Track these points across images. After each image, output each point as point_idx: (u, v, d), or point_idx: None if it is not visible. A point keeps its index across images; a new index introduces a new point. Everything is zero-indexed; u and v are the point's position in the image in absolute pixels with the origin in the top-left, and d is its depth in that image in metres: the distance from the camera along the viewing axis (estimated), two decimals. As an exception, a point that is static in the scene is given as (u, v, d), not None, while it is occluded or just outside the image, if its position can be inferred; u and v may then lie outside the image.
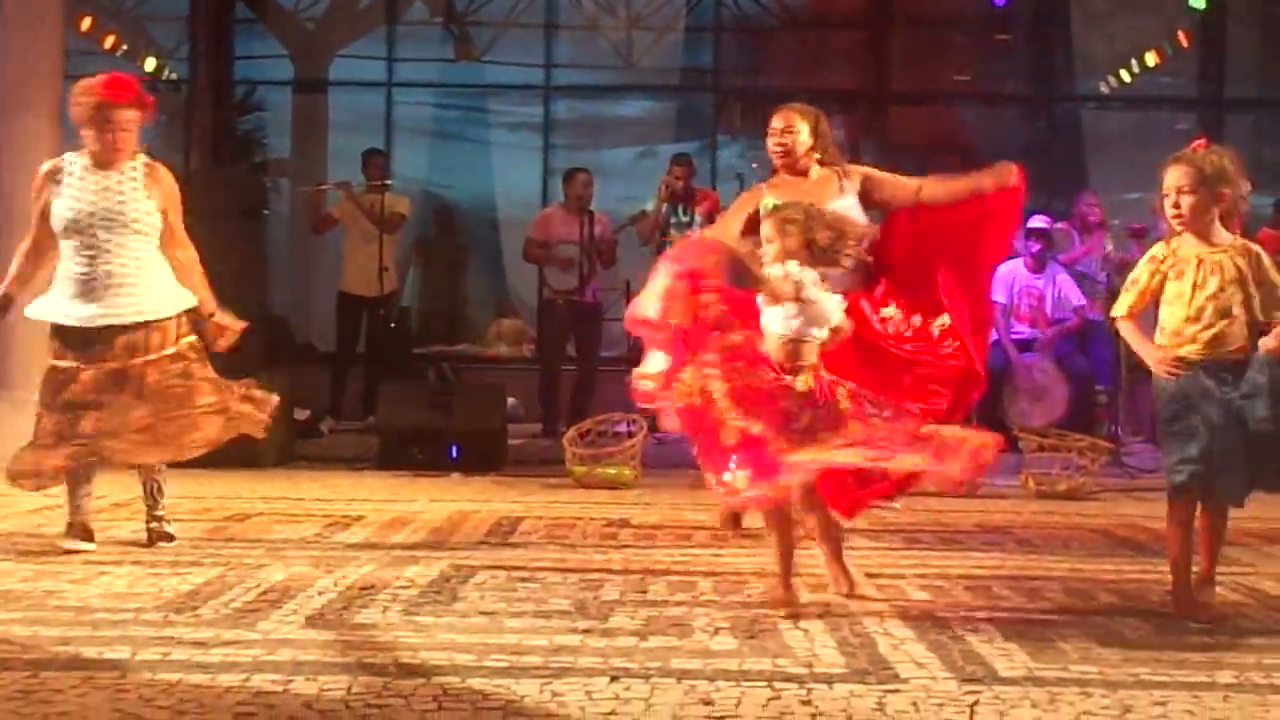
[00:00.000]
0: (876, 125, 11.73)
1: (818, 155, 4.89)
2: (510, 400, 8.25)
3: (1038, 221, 8.96)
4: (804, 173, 4.91)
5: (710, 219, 8.28)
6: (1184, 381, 3.76)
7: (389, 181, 9.72)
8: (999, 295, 8.75)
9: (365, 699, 2.73)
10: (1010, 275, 8.83)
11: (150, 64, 11.85)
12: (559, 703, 2.73)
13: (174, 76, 12.13)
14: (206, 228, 7.65)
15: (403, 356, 9.79)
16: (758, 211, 4.90)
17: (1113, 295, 8.83)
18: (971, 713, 2.71)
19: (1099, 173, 12.28)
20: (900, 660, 3.13)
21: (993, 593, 4.05)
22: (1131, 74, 12.37)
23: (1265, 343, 3.71)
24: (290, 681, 2.84)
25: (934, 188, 4.84)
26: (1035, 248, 8.87)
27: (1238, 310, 3.76)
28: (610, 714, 2.66)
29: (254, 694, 2.75)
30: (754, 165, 9.73)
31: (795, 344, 3.74)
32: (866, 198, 4.85)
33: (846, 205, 4.79)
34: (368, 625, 3.45)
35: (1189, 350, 3.78)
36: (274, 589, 3.88)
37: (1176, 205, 3.82)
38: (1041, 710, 2.73)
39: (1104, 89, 12.80)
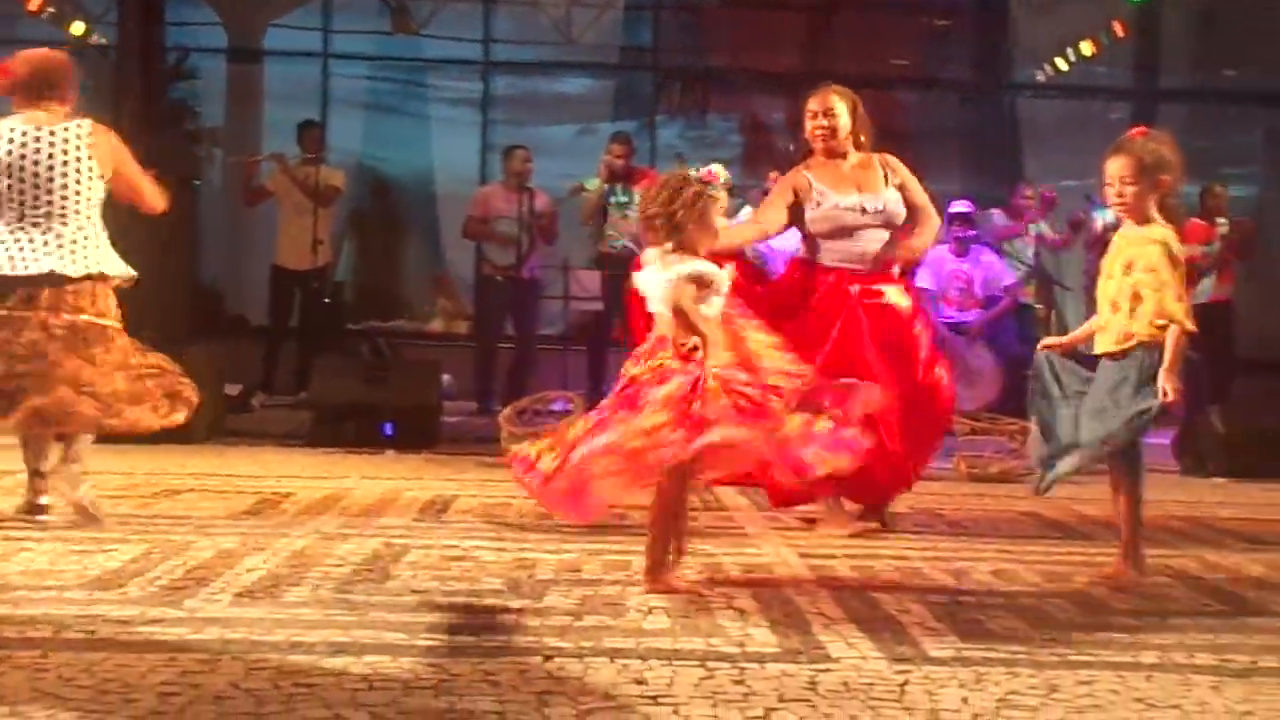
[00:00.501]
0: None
1: (859, 138, 4.92)
2: (445, 377, 8.20)
3: (960, 206, 9.03)
4: (843, 155, 4.93)
5: None
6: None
7: (324, 154, 9.63)
8: (926, 281, 8.83)
9: (294, 678, 2.69)
10: (937, 260, 8.89)
11: (77, 28, 11.61)
12: (492, 682, 2.72)
13: (102, 41, 11.90)
14: (136, 197, 7.58)
15: (337, 331, 9.72)
16: (799, 197, 4.91)
17: (1040, 278, 9.00)
18: (901, 692, 2.73)
19: (1035, 161, 12.42)
20: (832, 640, 3.15)
21: (923, 574, 4.08)
22: (1068, 63, 12.50)
23: (1162, 376, 3.75)
24: (218, 660, 2.81)
25: (921, 220, 4.92)
26: (959, 232, 8.94)
27: (1149, 301, 3.82)
28: (544, 693, 2.64)
29: (180, 673, 2.70)
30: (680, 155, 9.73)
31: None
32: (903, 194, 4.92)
33: (897, 197, 4.89)
34: (298, 604, 3.41)
35: (1103, 341, 3.88)
36: (202, 566, 3.82)
37: (1120, 195, 3.89)
38: (969, 690, 2.76)
39: (1041, 77, 12.93)
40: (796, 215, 4.92)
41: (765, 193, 9.28)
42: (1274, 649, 3.20)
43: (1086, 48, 12.29)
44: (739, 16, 12.96)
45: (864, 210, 4.85)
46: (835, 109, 4.91)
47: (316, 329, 9.44)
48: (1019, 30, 13.13)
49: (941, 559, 4.33)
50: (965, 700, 2.68)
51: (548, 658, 2.92)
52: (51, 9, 11.19)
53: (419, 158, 12.80)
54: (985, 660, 3.00)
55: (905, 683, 2.80)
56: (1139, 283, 3.84)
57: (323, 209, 9.41)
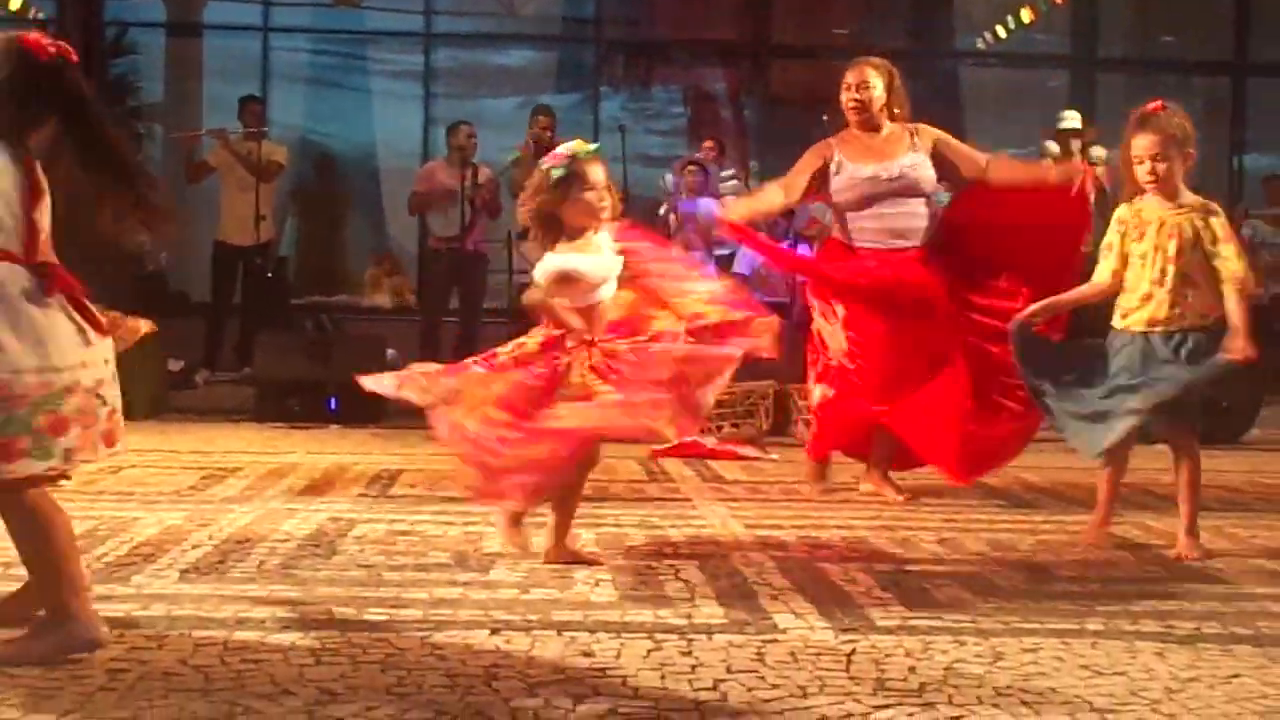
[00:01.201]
0: (757, 79, 11.79)
1: (894, 111, 4.96)
2: (390, 351, 8.15)
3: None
4: (876, 129, 4.95)
5: None
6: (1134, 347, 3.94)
7: (266, 129, 9.53)
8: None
9: (242, 654, 2.69)
10: None
11: (14, 1, 11.41)
12: (439, 656, 2.72)
13: (40, 16, 11.69)
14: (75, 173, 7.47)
15: (280, 306, 9.63)
16: (825, 167, 4.92)
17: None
18: (848, 662, 2.76)
19: (974, 129, 12.47)
20: (779, 611, 3.18)
21: (869, 544, 4.12)
22: (1007, 30, 12.56)
23: (1228, 343, 3.81)
24: (165, 637, 2.79)
25: (1000, 168, 4.96)
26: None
27: (1198, 275, 3.89)
28: (492, 666, 2.65)
29: (128, 650, 2.69)
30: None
31: None
32: (938, 160, 4.94)
33: (915, 162, 4.89)
34: (244, 579, 3.40)
35: (1151, 314, 3.92)
36: (148, 543, 3.80)
37: (1153, 171, 3.93)
38: (915, 659, 2.79)
39: (980, 45, 12.98)
40: (820, 187, 4.98)
41: (691, 163, 9.37)
42: (1217, 615, 3.25)
43: (1025, 15, 12.35)
44: (682, -13, 12.94)
45: (879, 179, 4.88)
46: (869, 82, 4.96)
47: (260, 305, 9.35)
48: (958, -1, 13.19)
49: (888, 528, 4.38)
50: (912, 669, 2.72)
51: (494, 631, 2.93)
52: (-11, -19, 11.00)
53: (361, 131, 12.69)
54: (931, 629, 3.04)
55: (852, 652, 2.83)
56: (1190, 262, 3.89)
57: (265, 184, 9.32)
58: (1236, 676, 2.74)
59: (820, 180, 4.97)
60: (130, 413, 6.41)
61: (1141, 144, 3.95)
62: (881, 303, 4.81)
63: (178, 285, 11.12)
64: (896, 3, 13.27)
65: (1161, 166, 3.92)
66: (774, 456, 6.10)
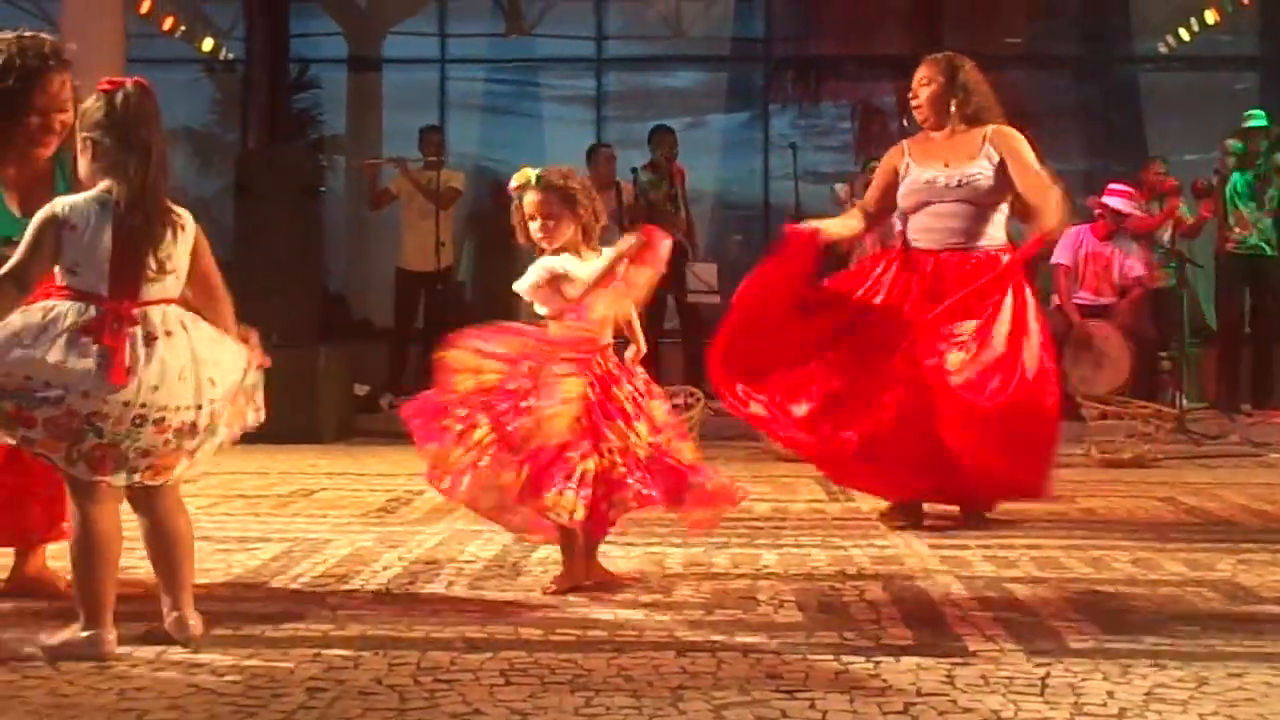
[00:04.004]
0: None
1: (965, 110, 4.72)
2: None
3: (1117, 202, 8.86)
4: (940, 128, 4.79)
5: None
6: None
7: (444, 157, 9.77)
8: (1063, 257, 8.70)
9: (434, 674, 2.74)
10: (1077, 238, 8.78)
11: (207, 44, 11.95)
12: (625, 676, 2.74)
13: (230, 56, 12.23)
14: (265, 207, 7.77)
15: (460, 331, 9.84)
16: (894, 172, 4.84)
17: (1176, 259, 8.80)
18: (1043, 686, 2.68)
19: (1156, 136, 12.11)
20: (967, 633, 3.11)
21: (1059, 564, 4.01)
22: (1191, 33, 12.16)
23: None
24: (360, 657, 2.87)
25: (1036, 193, 4.58)
26: (1107, 218, 8.85)
27: None
28: (678, 688, 2.65)
29: (325, 669, 2.77)
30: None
31: None
32: (1005, 170, 4.65)
33: (977, 171, 4.65)
34: (433, 600, 3.47)
35: None
36: (341, 564, 3.91)
37: None
38: (1113, 683, 2.70)
39: (1162, 49, 12.59)
40: (889, 194, 4.85)
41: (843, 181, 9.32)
42: None
43: (1210, 16, 11.94)
44: (849, 1, 12.84)
45: (938, 183, 4.68)
46: (925, 78, 4.79)
47: (442, 330, 9.57)
48: (1137, 2, 12.81)
49: (1078, 548, 4.25)
50: (1111, 694, 2.62)
51: (680, 652, 2.93)
52: (183, 27, 11.53)
53: (534, 156, 12.87)
54: (1130, 653, 2.93)
55: (1046, 676, 2.75)
56: None
57: (444, 211, 9.55)
58: None
59: (890, 188, 4.83)
60: (319, 436, 6.64)
61: None
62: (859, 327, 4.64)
63: (362, 312, 11.46)
64: (1071, 8, 12.97)
65: None
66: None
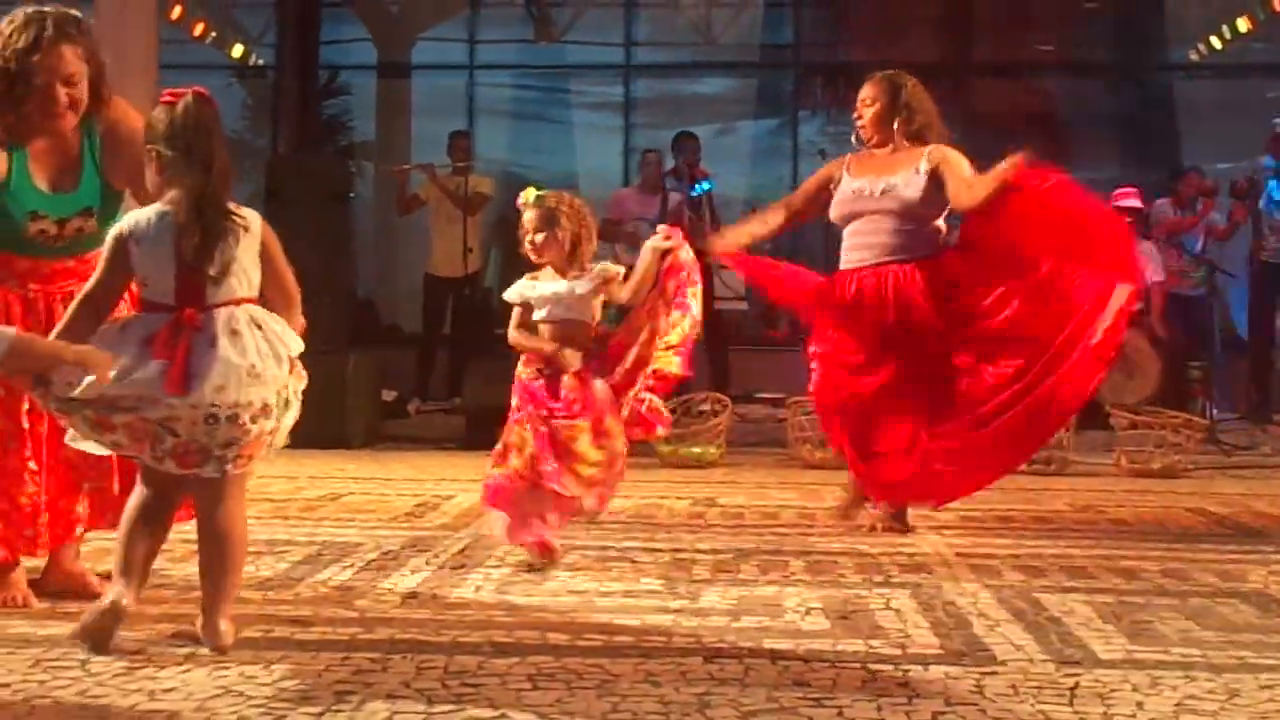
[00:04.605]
0: (959, 98, 11.58)
1: (909, 128, 4.70)
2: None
3: (1129, 201, 8.81)
4: (884, 144, 4.78)
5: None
6: None
7: (473, 163, 9.79)
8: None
9: (461, 678, 2.75)
10: None
11: (238, 50, 12.03)
12: (653, 682, 2.73)
13: (261, 62, 12.31)
14: (294, 212, 7.81)
15: (489, 337, 9.86)
16: (829, 180, 4.86)
17: (1207, 267, 8.74)
18: (1072, 696, 2.67)
19: (1190, 144, 12.04)
20: (996, 642, 3.10)
21: (1088, 573, 3.99)
22: (1223, 40, 12.09)
23: None
24: (389, 660, 2.87)
25: (965, 193, 4.52)
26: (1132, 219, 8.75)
27: None
28: (705, 694, 2.65)
29: (353, 672, 2.78)
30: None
31: None
32: (938, 183, 4.61)
33: (903, 182, 4.62)
34: (460, 604, 3.48)
35: None
36: (368, 567, 3.93)
37: None
38: (1143, 694, 2.68)
39: (1194, 56, 12.53)
40: (818, 198, 4.89)
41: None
42: None
43: (1242, 24, 11.87)
44: (879, 8, 12.82)
45: (863, 193, 4.68)
46: (867, 97, 4.79)
47: (469, 335, 9.61)
48: (1169, 8, 12.74)
49: (1107, 557, 4.23)
50: (1140, 705, 2.60)
51: (708, 658, 2.93)
52: (214, 34, 11.61)
53: (563, 163, 12.95)
54: (1159, 663, 2.91)
55: (1075, 686, 2.73)
56: None
57: (472, 217, 9.57)
58: None
59: (820, 193, 4.85)
60: (347, 441, 6.66)
61: None
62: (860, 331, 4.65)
63: (390, 317, 11.50)
64: (1104, 15, 12.91)
65: None
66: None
